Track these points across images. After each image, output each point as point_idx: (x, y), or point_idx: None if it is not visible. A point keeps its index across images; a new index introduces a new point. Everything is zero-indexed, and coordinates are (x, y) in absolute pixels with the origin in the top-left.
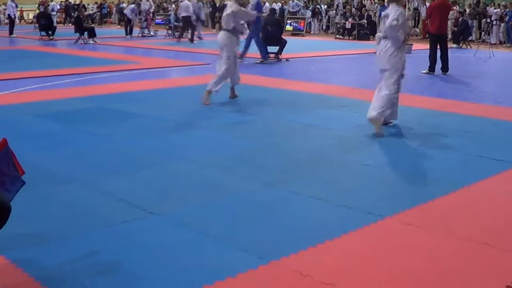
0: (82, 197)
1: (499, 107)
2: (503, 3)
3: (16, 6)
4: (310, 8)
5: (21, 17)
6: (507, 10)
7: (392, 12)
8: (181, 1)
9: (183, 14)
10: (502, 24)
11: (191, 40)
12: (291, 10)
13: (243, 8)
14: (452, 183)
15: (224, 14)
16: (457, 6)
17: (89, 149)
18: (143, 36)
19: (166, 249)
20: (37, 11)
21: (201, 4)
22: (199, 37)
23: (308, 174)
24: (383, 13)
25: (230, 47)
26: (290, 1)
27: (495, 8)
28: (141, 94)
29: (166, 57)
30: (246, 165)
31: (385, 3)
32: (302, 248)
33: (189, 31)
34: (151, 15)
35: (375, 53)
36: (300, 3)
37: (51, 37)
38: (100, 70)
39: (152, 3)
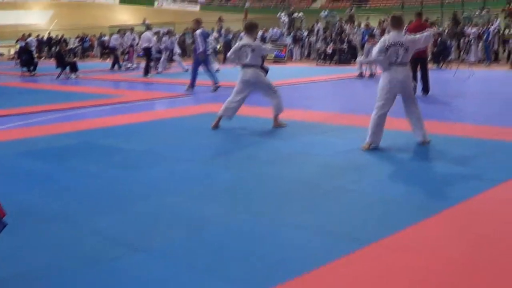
0: (68, 235)
1: (481, 126)
2: (481, 21)
3: None
4: (291, 34)
5: (1, 54)
6: (485, 28)
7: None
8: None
9: (144, 45)
10: (480, 43)
11: (146, 72)
12: (273, 38)
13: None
14: (437, 205)
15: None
16: (436, 27)
17: (75, 185)
18: (126, 68)
19: (154, 285)
20: (17, 47)
21: (174, 38)
22: (184, 68)
23: (294, 202)
24: (388, 41)
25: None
26: (271, 29)
27: (472, 28)
28: (125, 128)
29: (149, 89)
30: (231, 195)
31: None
32: (289, 278)
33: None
34: (134, 47)
35: (358, 76)
36: (280, 30)
37: (32, 73)
38: (84, 105)
39: (135, 36)
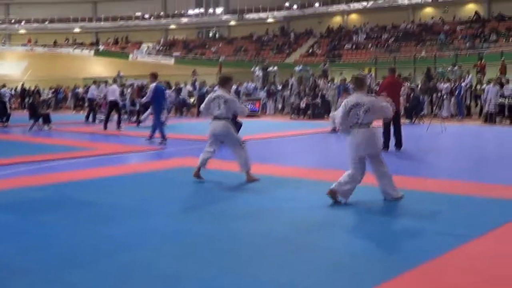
0: None
1: (454, 181)
2: (453, 77)
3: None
4: (265, 88)
5: None
6: (457, 84)
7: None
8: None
9: (110, 98)
10: (453, 98)
11: (93, 120)
12: (247, 92)
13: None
14: (409, 261)
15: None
16: (408, 83)
17: (46, 239)
18: (100, 121)
19: None
20: None
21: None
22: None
23: (265, 258)
24: (350, 104)
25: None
26: (245, 83)
27: (445, 83)
28: (97, 181)
29: (122, 142)
30: (202, 251)
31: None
32: None
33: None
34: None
35: (331, 131)
36: (254, 84)
37: (5, 124)
38: (56, 157)
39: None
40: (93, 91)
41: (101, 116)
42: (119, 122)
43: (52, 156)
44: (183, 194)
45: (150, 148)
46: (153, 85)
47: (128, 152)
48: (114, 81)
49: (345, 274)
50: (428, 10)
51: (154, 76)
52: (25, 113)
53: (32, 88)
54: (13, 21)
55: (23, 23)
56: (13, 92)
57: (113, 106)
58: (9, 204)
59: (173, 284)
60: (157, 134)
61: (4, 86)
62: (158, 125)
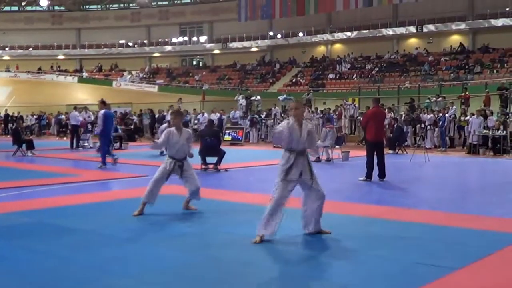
0: None
1: (436, 212)
2: (437, 108)
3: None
4: (248, 118)
5: None
6: (441, 115)
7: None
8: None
9: (72, 123)
10: (436, 129)
11: (76, 146)
12: (232, 120)
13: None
14: None
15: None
16: (392, 113)
17: (26, 265)
18: (82, 147)
19: None
20: None
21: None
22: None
23: (246, 286)
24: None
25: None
26: (232, 111)
27: (428, 114)
28: (79, 208)
29: (104, 169)
30: (184, 279)
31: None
32: None
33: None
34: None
35: (316, 160)
36: (239, 113)
37: None
38: (38, 183)
39: (91, 114)
40: (76, 117)
41: (84, 143)
42: (77, 144)
43: (34, 182)
44: (163, 222)
45: (133, 175)
46: (101, 111)
47: (111, 178)
48: (74, 108)
49: None
50: (413, 41)
51: (103, 103)
52: (8, 139)
53: (16, 114)
54: None
55: (7, 49)
56: None
57: (74, 130)
58: None
59: None
60: (109, 158)
61: None
62: (103, 149)
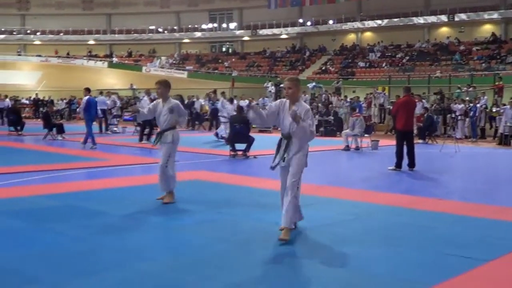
0: None
1: (466, 203)
2: (467, 98)
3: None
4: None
5: None
6: (471, 105)
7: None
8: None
9: (100, 107)
10: (467, 119)
11: (105, 130)
12: (260, 107)
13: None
14: (419, 283)
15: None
16: (424, 101)
17: (56, 248)
18: (112, 132)
19: None
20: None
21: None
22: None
23: (277, 275)
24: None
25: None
26: (260, 98)
27: (459, 104)
28: (108, 192)
29: (133, 154)
30: (212, 265)
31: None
32: None
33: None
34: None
35: (344, 149)
36: (268, 100)
37: (19, 133)
38: (68, 167)
39: (116, 99)
40: (104, 102)
41: (113, 128)
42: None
43: (64, 166)
44: (193, 207)
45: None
46: (85, 98)
47: (140, 163)
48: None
49: None
50: (444, 30)
51: (87, 90)
52: (39, 123)
53: (46, 98)
54: (28, 31)
55: (38, 34)
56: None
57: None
58: (21, 211)
59: None
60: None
61: (6, 96)
62: (89, 132)
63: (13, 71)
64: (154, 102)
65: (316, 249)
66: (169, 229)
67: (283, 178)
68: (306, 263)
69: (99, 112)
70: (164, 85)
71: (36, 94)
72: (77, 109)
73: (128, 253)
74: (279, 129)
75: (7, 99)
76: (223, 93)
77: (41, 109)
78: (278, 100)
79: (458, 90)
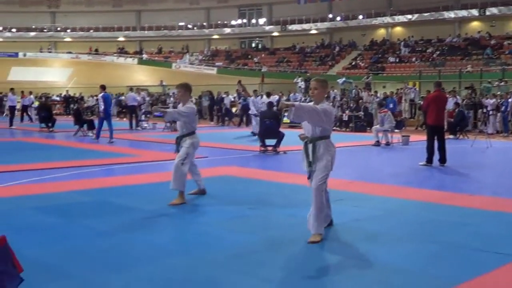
0: None
1: (499, 198)
2: (499, 93)
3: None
4: (307, 100)
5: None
6: (503, 100)
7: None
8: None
9: (130, 103)
10: (499, 114)
11: (136, 126)
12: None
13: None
14: (451, 279)
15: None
16: (457, 97)
17: (87, 243)
18: (143, 128)
19: None
20: (37, 103)
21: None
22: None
23: (308, 271)
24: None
25: None
26: (291, 94)
27: (490, 99)
28: (140, 187)
29: (165, 150)
30: (245, 260)
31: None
32: None
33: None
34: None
35: (375, 144)
36: (299, 96)
37: (50, 129)
38: (99, 163)
39: (145, 96)
40: (134, 98)
41: (143, 124)
42: (137, 123)
43: (95, 162)
44: (224, 203)
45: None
46: (101, 94)
47: (170, 159)
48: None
49: None
50: (475, 24)
51: (103, 88)
52: (69, 119)
53: (77, 95)
54: (58, 29)
55: (68, 31)
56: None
57: (132, 110)
58: (53, 207)
59: None
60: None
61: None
62: (100, 126)
63: (44, 68)
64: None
65: (347, 244)
66: (200, 224)
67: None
68: (336, 258)
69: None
70: (185, 88)
71: (67, 91)
72: (11, 105)
73: (159, 248)
74: None
75: (31, 96)
76: (255, 91)
77: (71, 105)
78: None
79: (488, 85)
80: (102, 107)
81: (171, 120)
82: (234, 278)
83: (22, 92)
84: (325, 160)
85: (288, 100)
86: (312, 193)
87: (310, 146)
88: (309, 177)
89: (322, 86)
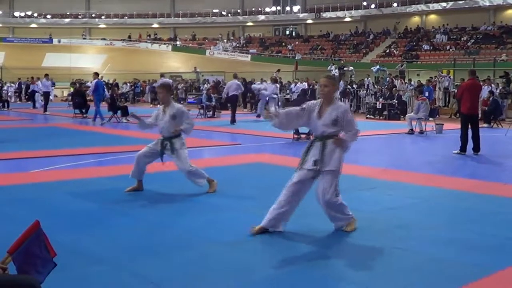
0: (113, 280)
1: None
2: None
3: (53, 84)
4: (341, 88)
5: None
6: None
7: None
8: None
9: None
10: None
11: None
12: None
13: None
14: (485, 268)
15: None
16: (492, 85)
17: (121, 229)
18: None
19: None
20: (71, 89)
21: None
22: None
23: (339, 258)
24: None
25: None
26: None
27: None
28: (173, 174)
29: (198, 137)
30: (278, 247)
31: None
32: None
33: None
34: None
35: (408, 132)
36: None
37: (84, 115)
38: (133, 149)
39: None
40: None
41: None
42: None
43: (129, 148)
44: (256, 190)
45: (224, 143)
46: (94, 81)
47: (203, 146)
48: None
49: (416, 277)
50: (510, 12)
51: (96, 74)
52: (104, 105)
53: (111, 81)
54: (93, 15)
55: (103, 17)
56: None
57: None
58: (87, 192)
59: (248, 280)
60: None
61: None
62: (98, 110)
63: (79, 54)
64: (158, 108)
65: (380, 232)
66: (234, 210)
67: (300, 183)
68: (370, 246)
69: (106, 93)
70: (166, 89)
71: (102, 77)
72: (88, 91)
73: (193, 234)
74: None
75: (40, 82)
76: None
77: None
78: (304, 104)
79: None
80: (90, 92)
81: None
82: (269, 264)
83: (32, 78)
84: (334, 162)
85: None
86: (325, 209)
87: (318, 144)
88: (301, 169)
89: (332, 84)
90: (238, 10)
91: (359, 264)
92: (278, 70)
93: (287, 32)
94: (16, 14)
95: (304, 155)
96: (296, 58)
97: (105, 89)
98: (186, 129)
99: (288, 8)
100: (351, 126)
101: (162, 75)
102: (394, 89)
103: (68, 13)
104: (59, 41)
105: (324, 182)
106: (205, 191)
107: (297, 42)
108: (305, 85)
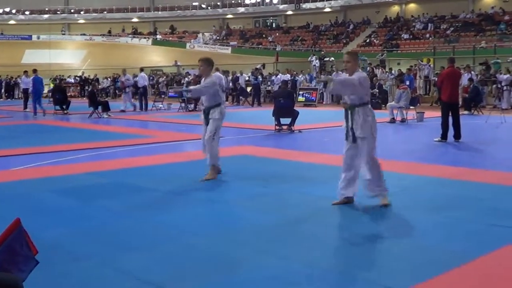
0: (97, 275)
1: None
2: None
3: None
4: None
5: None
6: None
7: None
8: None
9: (140, 85)
10: None
11: (145, 108)
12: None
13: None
14: (468, 254)
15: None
16: (471, 72)
17: (104, 224)
18: (157, 109)
19: None
20: (51, 86)
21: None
22: None
23: (325, 248)
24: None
25: None
26: (307, 74)
27: (505, 74)
28: (155, 168)
29: (179, 130)
30: (260, 239)
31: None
32: None
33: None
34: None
35: (390, 121)
36: (312, 74)
37: (65, 111)
38: (114, 144)
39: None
40: (144, 79)
41: (158, 104)
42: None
43: (110, 143)
44: (240, 182)
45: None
46: (32, 77)
47: (185, 140)
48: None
49: (399, 264)
50: (489, 0)
51: (34, 71)
52: (84, 101)
53: (91, 77)
54: (72, 11)
55: (82, 13)
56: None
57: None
58: (70, 189)
59: (230, 271)
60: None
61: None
62: (34, 104)
63: (58, 50)
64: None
65: (364, 221)
66: (218, 203)
67: (350, 150)
68: (354, 235)
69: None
70: (206, 63)
71: (83, 72)
72: (25, 87)
73: (177, 228)
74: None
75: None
76: (256, 70)
77: (86, 87)
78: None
79: (497, 60)
80: (31, 88)
81: (197, 97)
82: (254, 257)
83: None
84: (366, 127)
85: (305, 79)
86: (366, 166)
87: (349, 112)
88: (347, 139)
89: (354, 59)
90: (218, 3)
91: (342, 253)
92: (263, 66)
93: (267, 24)
94: None
95: (345, 124)
96: (276, 49)
97: (43, 85)
98: (192, 89)
99: (267, 0)
100: (360, 88)
101: (142, 69)
102: (375, 78)
103: (46, 9)
104: (38, 38)
105: (360, 149)
106: (189, 184)
107: (277, 34)
108: (288, 76)
